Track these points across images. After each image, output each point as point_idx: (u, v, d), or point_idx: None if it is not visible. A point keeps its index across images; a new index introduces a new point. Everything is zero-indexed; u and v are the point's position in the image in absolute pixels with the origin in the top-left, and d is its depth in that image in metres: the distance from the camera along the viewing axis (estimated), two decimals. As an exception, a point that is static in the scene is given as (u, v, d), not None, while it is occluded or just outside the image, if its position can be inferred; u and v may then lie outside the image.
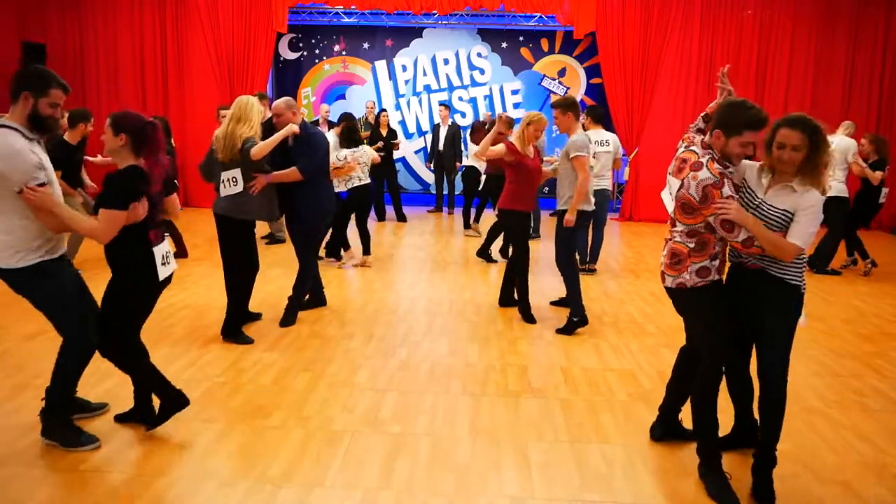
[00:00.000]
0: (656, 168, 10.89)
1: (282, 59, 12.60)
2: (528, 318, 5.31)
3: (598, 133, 6.87)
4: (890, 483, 3.02)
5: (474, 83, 12.64)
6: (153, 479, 2.87)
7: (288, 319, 5.04)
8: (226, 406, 3.62)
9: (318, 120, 10.31)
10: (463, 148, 11.06)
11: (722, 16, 10.84)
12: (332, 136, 7.24)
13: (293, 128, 4.68)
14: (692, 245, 2.86)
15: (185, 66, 11.18)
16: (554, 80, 12.52)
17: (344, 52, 12.64)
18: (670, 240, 2.97)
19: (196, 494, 2.78)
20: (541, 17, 11.61)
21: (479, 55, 12.56)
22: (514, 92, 12.58)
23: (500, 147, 5.18)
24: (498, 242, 7.92)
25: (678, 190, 2.83)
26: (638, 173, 11.18)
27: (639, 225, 10.79)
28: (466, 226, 9.48)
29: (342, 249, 7.25)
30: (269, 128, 4.82)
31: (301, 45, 12.63)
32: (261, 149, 4.41)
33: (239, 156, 4.44)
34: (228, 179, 4.51)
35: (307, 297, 5.41)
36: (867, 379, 4.29)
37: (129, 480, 2.87)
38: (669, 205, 3.02)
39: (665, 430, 3.35)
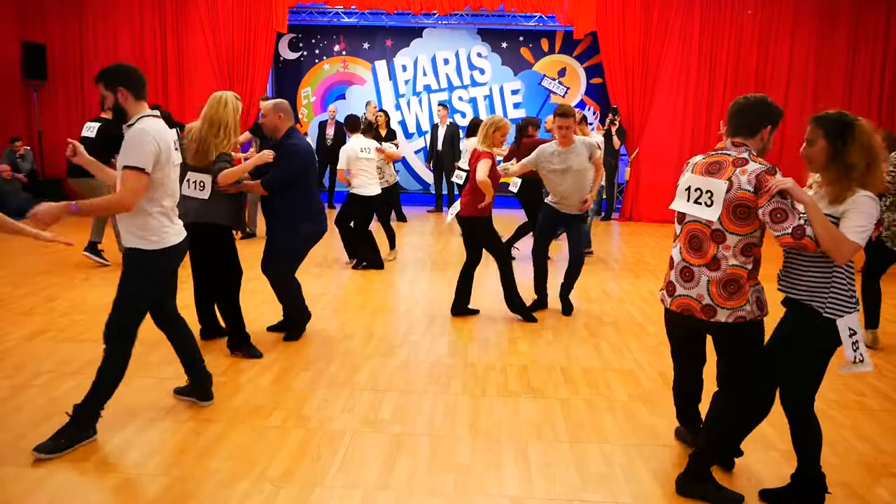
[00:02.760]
0: (657, 168, 10.90)
1: (282, 59, 12.60)
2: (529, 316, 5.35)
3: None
4: (890, 483, 3.02)
5: (474, 83, 12.65)
6: (153, 479, 2.87)
7: (293, 334, 4.74)
8: (226, 406, 3.62)
9: (325, 120, 10.31)
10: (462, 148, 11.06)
11: (722, 16, 10.84)
12: (357, 140, 7.01)
13: (265, 156, 4.33)
14: (750, 266, 2.57)
15: (185, 66, 11.19)
16: (554, 80, 12.52)
17: (344, 52, 12.65)
18: (712, 267, 2.62)
19: (196, 494, 2.77)
20: (541, 17, 11.62)
21: (479, 55, 12.56)
22: (514, 92, 12.58)
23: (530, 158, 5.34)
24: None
25: (727, 192, 2.55)
26: (639, 173, 11.18)
27: (639, 225, 10.79)
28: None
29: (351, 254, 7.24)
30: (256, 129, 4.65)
31: (301, 45, 12.63)
32: (226, 176, 4.07)
33: (212, 165, 4.11)
34: (196, 182, 4.17)
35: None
36: (867, 379, 4.29)
37: (129, 480, 2.87)
38: (702, 213, 2.65)
39: (693, 434, 3.25)
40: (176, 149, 3.22)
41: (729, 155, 2.67)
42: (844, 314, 2.52)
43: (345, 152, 6.93)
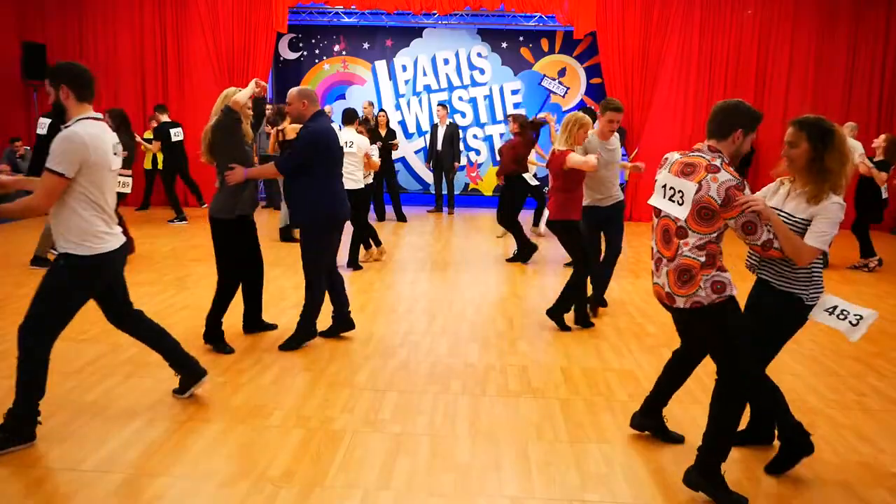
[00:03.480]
0: (656, 168, 10.87)
1: (282, 59, 12.60)
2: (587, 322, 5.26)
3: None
4: (890, 483, 3.02)
5: (474, 83, 12.64)
6: (153, 479, 2.87)
7: (289, 344, 4.54)
8: (226, 406, 3.62)
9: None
10: (463, 148, 11.02)
11: (722, 16, 10.83)
12: (345, 133, 6.93)
13: (268, 170, 4.41)
14: (703, 259, 2.72)
15: (185, 66, 11.19)
16: (554, 80, 12.52)
17: (344, 52, 12.65)
18: (672, 259, 2.80)
19: (196, 494, 2.77)
20: (541, 17, 11.62)
21: (479, 55, 12.56)
22: (514, 92, 12.58)
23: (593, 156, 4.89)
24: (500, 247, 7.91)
25: (695, 193, 2.69)
26: (638, 173, 11.15)
27: (639, 225, 10.79)
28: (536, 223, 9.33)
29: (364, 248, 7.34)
30: (260, 114, 4.66)
31: (301, 45, 12.63)
32: (233, 177, 4.28)
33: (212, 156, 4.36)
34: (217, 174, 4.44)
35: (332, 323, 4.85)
36: (867, 379, 4.29)
37: (129, 480, 2.87)
38: (673, 210, 2.82)
39: (646, 423, 3.36)
40: (115, 154, 3.11)
41: (703, 158, 2.78)
42: (818, 298, 2.84)
43: None
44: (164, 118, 9.85)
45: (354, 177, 6.75)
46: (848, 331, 2.76)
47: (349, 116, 7.01)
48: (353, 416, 3.54)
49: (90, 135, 2.97)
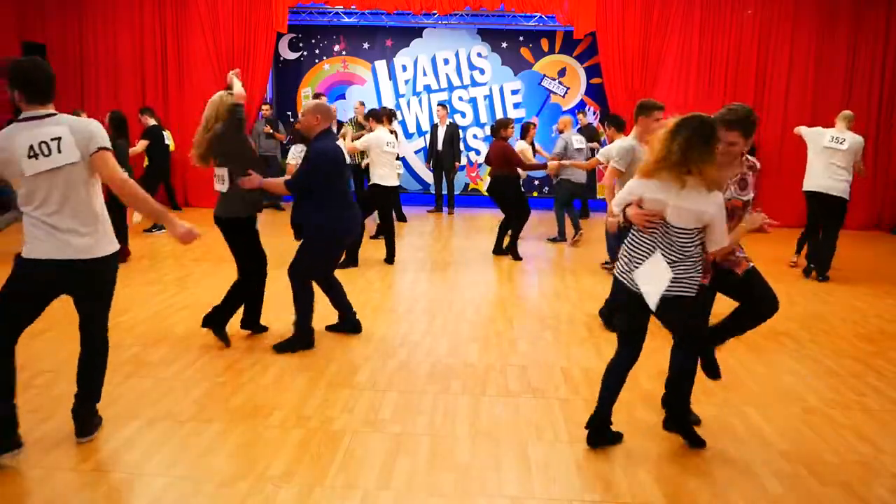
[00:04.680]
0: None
1: (282, 59, 12.60)
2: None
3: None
4: (890, 483, 3.02)
5: (474, 83, 12.64)
6: (153, 479, 2.87)
7: (284, 346, 4.49)
8: (226, 406, 3.62)
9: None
10: (463, 148, 11.00)
11: (722, 16, 10.83)
12: (383, 132, 7.38)
13: (278, 186, 4.46)
14: None
15: (185, 66, 11.18)
16: (554, 80, 12.52)
17: (344, 52, 12.64)
18: None
19: (196, 494, 2.78)
20: (541, 17, 11.61)
21: (479, 55, 12.56)
22: (514, 92, 12.57)
23: None
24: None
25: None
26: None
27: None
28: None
29: None
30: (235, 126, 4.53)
31: (301, 45, 12.63)
32: (249, 182, 4.32)
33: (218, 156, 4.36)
34: (218, 176, 4.41)
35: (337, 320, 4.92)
36: (867, 379, 4.29)
37: (129, 480, 2.87)
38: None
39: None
40: (32, 156, 2.87)
41: None
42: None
43: (369, 140, 7.24)
44: (152, 121, 9.49)
45: (394, 173, 7.38)
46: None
47: (378, 115, 7.50)
48: (353, 416, 3.54)
49: (2, 136, 2.90)
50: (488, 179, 7.44)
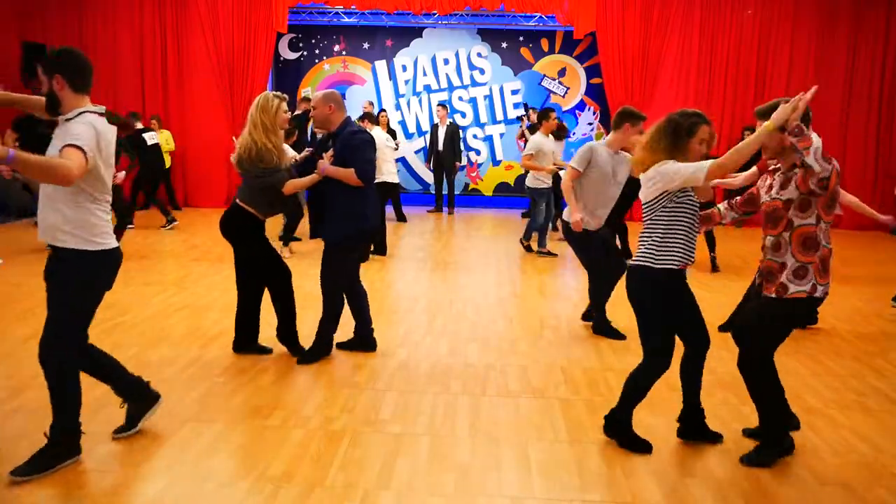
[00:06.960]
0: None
1: (282, 59, 12.60)
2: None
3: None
4: (890, 483, 3.02)
5: (474, 83, 12.65)
6: (153, 479, 2.87)
7: (306, 357, 4.32)
8: (226, 406, 3.62)
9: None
10: (463, 148, 11.03)
11: (722, 16, 10.84)
12: (380, 132, 8.00)
13: (350, 176, 4.10)
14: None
15: (185, 66, 11.18)
16: (554, 80, 12.52)
17: (344, 52, 12.65)
18: None
19: (196, 494, 2.77)
20: (541, 17, 11.62)
21: (479, 55, 12.56)
22: (514, 92, 12.58)
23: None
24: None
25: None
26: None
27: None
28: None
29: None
30: (302, 120, 4.43)
31: (301, 45, 12.63)
32: (294, 185, 4.14)
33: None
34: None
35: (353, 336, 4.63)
36: (867, 379, 4.29)
37: (129, 480, 2.87)
38: None
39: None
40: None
41: None
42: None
43: (379, 137, 7.49)
44: (138, 125, 9.35)
45: (394, 170, 7.94)
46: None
47: (375, 117, 8.22)
48: (353, 416, 3.54)
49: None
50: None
